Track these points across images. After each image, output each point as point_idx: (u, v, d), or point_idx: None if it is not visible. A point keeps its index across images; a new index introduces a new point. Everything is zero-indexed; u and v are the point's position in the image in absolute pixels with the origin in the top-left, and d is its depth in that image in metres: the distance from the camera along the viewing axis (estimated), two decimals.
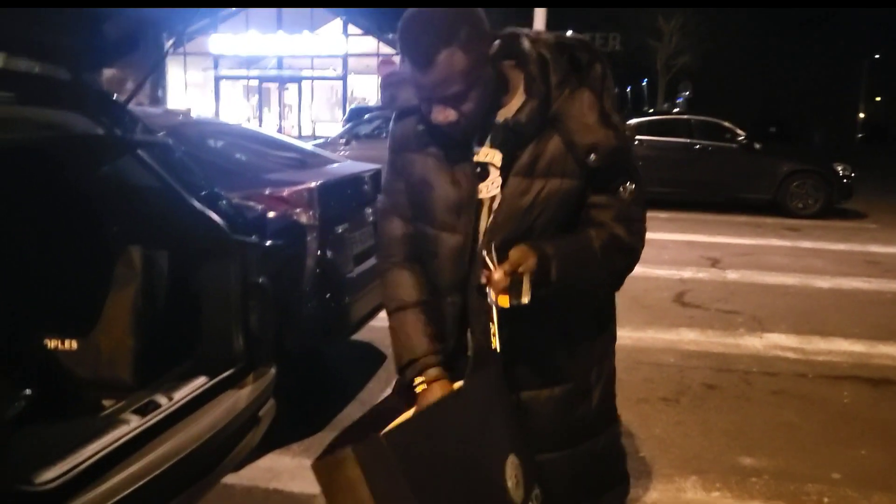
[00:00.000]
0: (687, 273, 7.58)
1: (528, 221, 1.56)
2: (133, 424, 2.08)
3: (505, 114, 1.58)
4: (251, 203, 3.35)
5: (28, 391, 2.02)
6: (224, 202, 2.54)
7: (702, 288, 7.01)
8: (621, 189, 1.61)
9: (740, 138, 12.03)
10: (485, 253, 1.49)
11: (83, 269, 2.34)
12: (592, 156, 1.53)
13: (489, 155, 1.60)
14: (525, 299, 1.46)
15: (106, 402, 2.32)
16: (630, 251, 1.65)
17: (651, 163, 12.02)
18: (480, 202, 1.60)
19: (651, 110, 13.52)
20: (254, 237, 2.52)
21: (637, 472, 3.44)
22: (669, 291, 6.83)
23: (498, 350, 1.49)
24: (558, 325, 1.67)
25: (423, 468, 1.34)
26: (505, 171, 1.58)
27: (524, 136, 1.56)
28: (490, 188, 1.60)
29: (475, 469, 1.42)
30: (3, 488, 1.61)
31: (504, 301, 1.46)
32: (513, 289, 1.46)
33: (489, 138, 1.60)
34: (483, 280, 1.50)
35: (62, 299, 2.40)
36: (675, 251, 8.63)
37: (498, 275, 1.44)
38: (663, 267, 7.77)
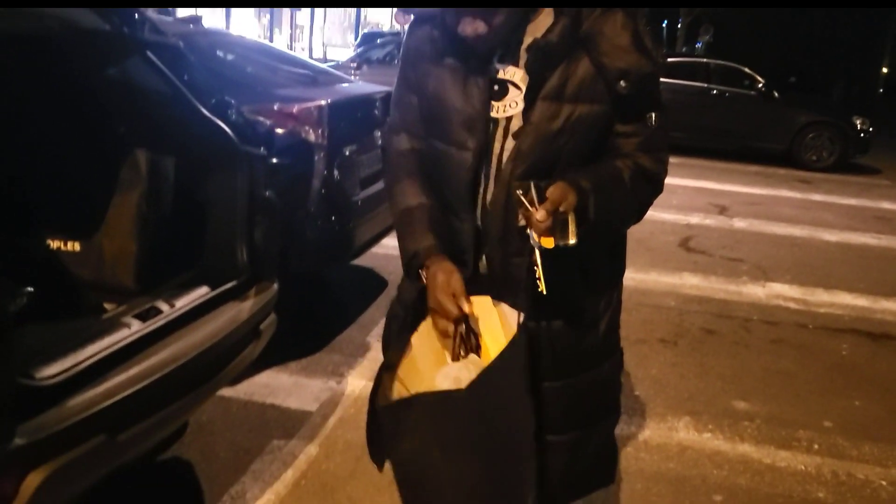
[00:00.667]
0: (694, 219, 7.53)
1: (556, 149, 1.49)
2: (134, 328, 2.07)
3: (533, 31, 1.50)
4: (260, 118, 3.29)
5: (30, 288, 2.02)
6: (233, 112, 2.48)
7: (708, 234, 6.98)
8: (648, 117, 1.55)
9: (759, 86, 11.77)
10: (520, 192, 1.37)
11: (88, 169, 2.30)
12: (623, 82, 1.45)
13: (513, 74, 1.52)
14: (572, 240, 1.37)
15: (107, 306, 2.31)
16: (655, 181, 1.60)
17: (667, 106, 11.81)
18: (495, 122, 1.53)
19: (665, 51, 13.18)
20: (262, 150, 2.47)
21: (631, 410, 3.47)
22: (675, 236, 6.80)
23: (545, 293, 1.40)
24: (578, 258, 1.62)
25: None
26: (531, 93, 1.48)
27: (554, 57, 1.47)
28: (507, 108, 1.52)
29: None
30: (5, 381, 1.61)
31: (548, 242, 1.35)
32: (556, 229, 1.36)
33: (519, 58, 1.52)
34: (522, 221, 1.41)
35: (66, 199, 2.36)
36: (684, 196, 8.55)
37: (540, 214, 1.33)
38: (670, 211, 7.71)
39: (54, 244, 2.41)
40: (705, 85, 11.86)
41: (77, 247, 2.41)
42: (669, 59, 12.29)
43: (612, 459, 2.00)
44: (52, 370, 1.80)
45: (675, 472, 2.99)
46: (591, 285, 1.69)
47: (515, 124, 1.52)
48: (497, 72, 1.53)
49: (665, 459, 3.09)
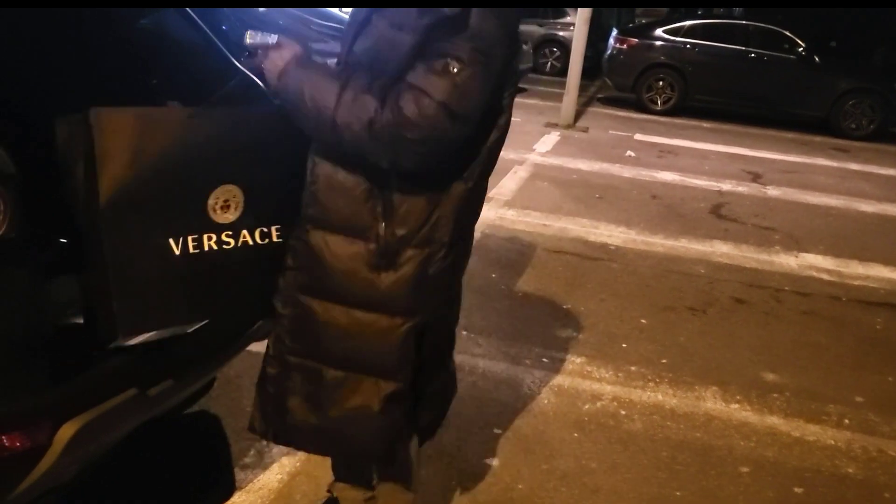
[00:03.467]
0: (726, 185, 7.40)
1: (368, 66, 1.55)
2: None
3: None
4: None
5: (62, 239, 2.01)
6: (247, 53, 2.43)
7: (740, 202, 6.86)
8: (443, 63, 1.45)
9: (800, 49, 11.42)
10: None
11: None
12: (425, 17, 1.45)
13: None
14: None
15: None
16: (395, 115, 1.46)
17: (700, 70, 11.56)
18: None
19: (700, 12, 12.80)
20: None
21: (657, 378, 3.45)
22: (706, 202, 6.70)
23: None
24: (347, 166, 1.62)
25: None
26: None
27: None
28: None
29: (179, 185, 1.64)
30: (39, 333, 1.61)
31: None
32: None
33: None
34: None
35: None
36: (716, 162, 8.40)
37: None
38: (702, 177, 7.59)
39: None
40: (743, 48, 11.54)
41: None
42: (706, 21, 11.98)
43: (370, 431, 1.79)
44: (84, 322, 1.80)
45: (702, 442, 2.97)
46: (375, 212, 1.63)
47: None
48: None
49: (691, 428, 3.07)
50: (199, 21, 2.39)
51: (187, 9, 2.37)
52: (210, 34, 2.40)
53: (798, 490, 2.74)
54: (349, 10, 1.78)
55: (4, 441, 1.58)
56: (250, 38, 1.61)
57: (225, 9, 2.51)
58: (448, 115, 1.46)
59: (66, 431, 1.65)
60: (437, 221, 1.65)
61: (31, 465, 1.64)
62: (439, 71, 1.45)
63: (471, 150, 1.63)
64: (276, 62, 1.58)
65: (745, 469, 2.83)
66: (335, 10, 5.51)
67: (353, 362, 1.74)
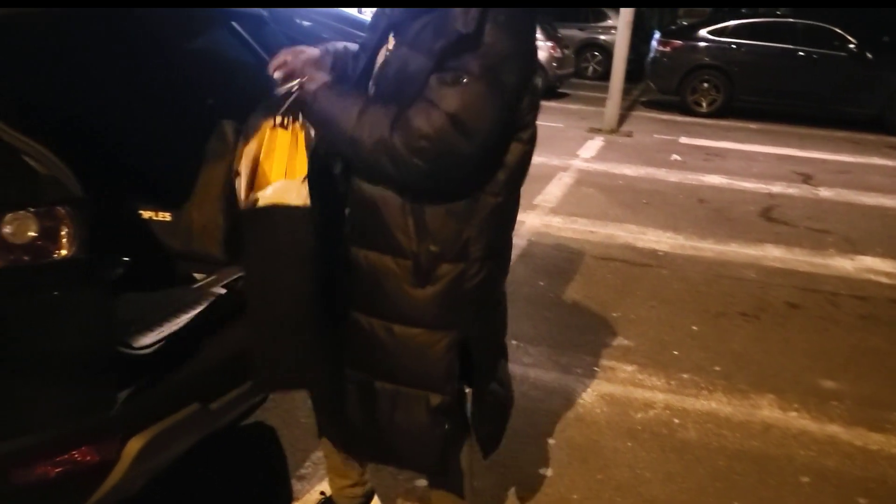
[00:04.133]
0: (776, 188, 7.25)
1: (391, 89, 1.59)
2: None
3: None
4: None
5: (126, 258, 2.08)
6: None
7: (791, 204, 6.72)
8: (453, 76, 1.48)
9: (851, 46, 11.13)
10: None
11: (178, 141, 2.34)
12: (441, 40, 1.48)
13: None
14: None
15: (197, 276, 2.36)
16: (404, 128, 1.50)
17: (747, 70, 11.36)
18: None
19: (744, 10, 12.53)
20: None
21: (711, 385, 3.40)
22: (756, 205, 6.58)
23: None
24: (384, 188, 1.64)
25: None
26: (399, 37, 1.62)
27: (414, 9, 1.56)
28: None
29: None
30: (107, 350, 1.67)
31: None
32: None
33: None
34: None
35: (157, 171, 2.41)
36: (765, 164, 8.25)
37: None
38: (750, 180, 7.46)
39: (146, 214, 2.47)
40: (791, 46, 11.31)
41: (168, 217, 2.46)
42: (753, 20, 11.76)
43: (420, 443, 1.82)
44: (149, 339, 1.86)
45: (759, 451, 2.92)
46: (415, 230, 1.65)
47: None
48: None
49: (748, 437, 3.01)
50: (250, 39, 2.45)
51: (237, 27, 2.42)
52: (260, 51, 2.45)
53: (862, 501, 2.67)
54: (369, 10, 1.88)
55: (75, 456, 1.64)
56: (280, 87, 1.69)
57: (273, 26, 2.55)
58: (457, 128, 1.48)
59: (134, 446, 1.71)
60: (469, 237, 1.67)
61: (100, 478, 1.69)
62: (449, 83, 1.48)
63: (495, 165, 1.65)
64: (308, 87, 1.63)
65: (805, 479, 2.77)
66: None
67: (400, 375, 1.77)
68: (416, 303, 1.69)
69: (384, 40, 1.67)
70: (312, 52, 1.73)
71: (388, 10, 1.68)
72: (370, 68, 1.69)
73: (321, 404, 1.96)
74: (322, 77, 1.66)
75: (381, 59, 1.68)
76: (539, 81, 1.72)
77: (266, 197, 1.64)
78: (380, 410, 1.80)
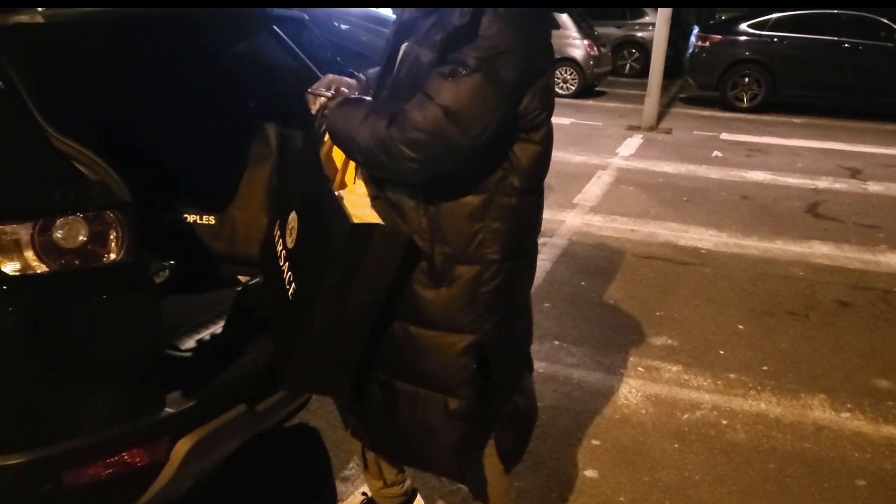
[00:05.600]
0: (822, 183, 7.09)
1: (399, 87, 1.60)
2: None
3: None
4: None
5: (172, 262, 2.10)
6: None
7: (838, 199, 6.55)
8: (450, 69, 1.47)
9: None
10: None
11: (221, 144, 2.36)
12: (440, 34, 1.49)
13: None
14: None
15: (242, 278, 2.38)
16: (400, 121, 1.49)
17: (789, 63, 11.12)
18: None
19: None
20: None
21: (759, 385, 3.33)
22: (801, 201, 6.43)
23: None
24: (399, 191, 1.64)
25: None
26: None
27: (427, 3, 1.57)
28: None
29: None
30: (155, 352, 1.68)
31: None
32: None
33: None
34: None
35: (201, 174, 2.44)
36: (810, 159, 8.06)
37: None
38: (795, 175, 7.30)
39: (191, 218, 2.50)
40: (835, 38, 11.05)
41: (212, 220, 2.49)
42: (795, 12, 11.51)
43: (437, 445, 1.81)
44: (195, 342, 1.87)
45: (812, 453, 2.85)
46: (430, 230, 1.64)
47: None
48: None
49: (799, 439, 2.94)
50: (291, 43, 2.46)
51: (278, 31, 2.43)
52: (301, 55, 2.46)
53: None
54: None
55: (126, 457, 1.66)
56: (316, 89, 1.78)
57: (314, 30, 2.56)
58: (450, 119, 1.46)
59: (183, 447, 1.72)
60: (483, 239, 1.64)
61: (150, 479, 1.71)
62: (445, 75, 1.46)
63: (499, 163, 1.62)
64: (329, 108, 1.70)
65: (861, 482, 2.69)
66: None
67: (419, 377, 1.76)
68: (431, 304, 1.68)
69: (398, 46, 1.66)
70: (350, 80, 1.79)
71: (399, 12, 1.70)
72: (387, 75, 1.69)
73: (348, 404, 1.95)
74: (347, 95, 1.71)
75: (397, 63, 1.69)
76: (552, 82, 1.68)
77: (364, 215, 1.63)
78: (400, 411, 1.79)
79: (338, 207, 1.58)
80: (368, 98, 1.71)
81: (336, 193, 1.66)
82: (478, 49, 1.46)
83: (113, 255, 1.60)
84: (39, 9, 1.74)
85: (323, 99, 1.73)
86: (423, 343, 1.71)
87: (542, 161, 1.67)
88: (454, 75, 1.46)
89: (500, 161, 1.61)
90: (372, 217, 1.61)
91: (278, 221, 1.85)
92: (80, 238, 1.56)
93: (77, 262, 1.57)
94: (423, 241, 1.64)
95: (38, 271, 1.53)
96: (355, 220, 1.53)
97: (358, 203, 1.65)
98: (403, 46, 1.64)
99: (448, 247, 1.63)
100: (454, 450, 1.81)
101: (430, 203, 1.61)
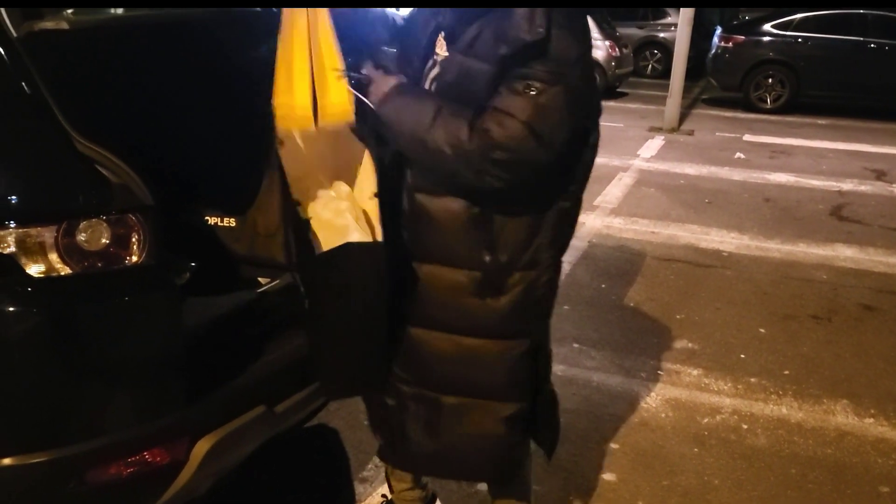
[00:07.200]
0: (847, 185, 7.00)
1: (453, 94, 1.55)
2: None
3: None
4: None
5: (193, 263, 2.12)
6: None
7: (863, 202, 6.47)
8: (524, 84, 1.47)
9: None
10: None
11: (241, 147, 2.38)
12: (504, 47, 1.46)
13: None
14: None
15: (262, 280, 2.39)
16: (477, 130, 1.48)
17: (814, 64, 11.00)
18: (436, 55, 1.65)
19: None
20: None
21: (781, 390, 3.30)
22: (825, 204, 6.36)
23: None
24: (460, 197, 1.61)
25: None
26: (450, 43, 1.59)
27: (467, 13, 1.54)
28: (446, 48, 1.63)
29: None
30: (175, 353, 1.70)
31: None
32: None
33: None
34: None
35: (221, 176, 2.46)
36: (835, 161, 7.97)
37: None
38: (819, 177, 7.22)
39: (212, 220, 2.52)
40: (861, 38, 10.91)
41: (232, 222, 2.50)
42: (819, 13, 11.38)
43: (490, 453, 1.82)
44: (216, 343, 1.89)
45: (834, 459, 2.82)
46: (485, 244, 1.63)
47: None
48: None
49: (821, 444, 2.91)
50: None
51: None
52: None
53: None
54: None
55: (147, 457, 1.68)
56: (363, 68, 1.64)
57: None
58: (533, 136, 1.46)
59: (202, 447, 1.74)
60: (540, 244, 1.66)
61: (170, 479, 1.73)
62: (521, 92, 1.46)
63: (567, 170, 1.64)
64: (380, 89, 1.58)
65: (885, 489, 2.65)
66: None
67: (469, 388, 1.76)
68: (488, 313, 1.68)
69: (432, 45, 1.65)
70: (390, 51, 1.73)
71: (435, 12, 1.65)
72: (419, 75, 1.67)
73: (377, 420, 1.94)
74: (397, 76, 1.60)
75: (431, 65, 1.66)
76: (598, 80, 1.71)
77: (335, 228, 1.63)
78: (447, 425, 1.78)
79: (307, 233, 1.64)
80: (423, 88, 1.63)
81: (306, 213, 1.66)
82: (549, 62, 1.47)
83: (135, 258, 1.62)
84: (65, 12, 1.77)
85: (369, 75, 1.59)
86: (479, 353, 1.72)
87: (592, 163, 1.71)
88: (529, 90, 1.46)
89: (565, 168, 1.63)
90: (346, 228, 1.60)
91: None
92: (103, 241, 1.59)
93: (100, 265, 1.59)
94: (478, 250, 1.64)
95: (62, 273, 1.55)
96: (323, 243, 1.59)
97: (338, 208, 1.63)
98: (440, 49, 1.63)
99: (505, 255, 1.64)
100: (510, 455, 1.85)
101: (489, 213, 1.62)
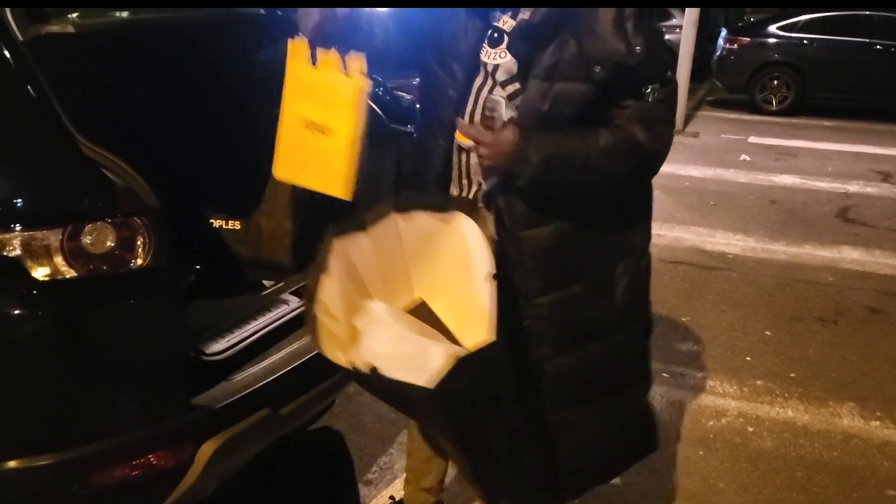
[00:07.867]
0: (853, 187, 6.97)
1: (547, 123, 1.55)
2: (292, 305, 2.14)
3: None
4: (402, 93, 3.29)
5: (197, 266, 2.13)
6: (380, 89, 2.49)
7: (869, 204, 6.45)
8: (646, 92, 1.57)
9: None
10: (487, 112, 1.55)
11: (246, 150, 2.38)
12: (597, 68, 1.49)
13: (506, 24, 1.60)
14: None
15: (266, 283, 2.40)
16: (645, 153, 1.59)
17: (820, 65, 10.95)
18: (484, 64, 1.62)
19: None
20: (409, 127, 2.47)
21: (787, 393, 3.29)
22: (831, 206, 6.34)
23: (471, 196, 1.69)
24: (571, 216, 1.64)
25: None
26: (524, 73, 1.57)
27: (539, 38, 1.54)
28: (496, 57, 1.61)
29: None
30: (180, 355, 1.71)
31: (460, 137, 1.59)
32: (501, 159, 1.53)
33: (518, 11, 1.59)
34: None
35: (226, 179, 2.47)
36: (840, 162, 7.94)
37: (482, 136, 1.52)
38: (825, 179, 7.19)
39: (217, 223, 2.53)
40: (867, 40, 10.87)
41: (237, 225, 2.52)
42: (824, 14, 11.35)
43: (648, 427, 1.98)
44: (220, 346, 1.90)
45: (840, 462, 2.81)
46: (594, 248, 1.70)
47: (501, 74, 1.61)
48: (497, 19, 1.61)
49: (827, 447, 2.90)
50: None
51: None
52: None
53: None
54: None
55: (152, 459, 1.68)
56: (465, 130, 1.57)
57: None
58: (672, 131, 1.65)
59: (207, 450, 1.74)
60: (637, 228, 1.77)
61: (175, 481, 1.73)
62: (658, 98, 1.57)
63: None
64: (503, 149, 1.51)
65: (891, 492, 2.64)
66: None
67: (612, 385, 1.83)
68: (608, 313, 1.75)
69: (475, 53, 1.62)
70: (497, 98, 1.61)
71: (471, 13, 1.61)
72: (456, 78, 1.63)
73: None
74: (509, 136, 1.50)
75: (482, 81, 1.62)
76: None
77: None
78: (599, 430, 1.82)
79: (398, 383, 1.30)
80: (537, 128, 1.55)
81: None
82: (651, 65, 1.54)
83: (140, 261, 1.63)
84: (70, 16, 1.77)
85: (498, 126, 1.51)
86: (609, 351, 1.77)
87: None
88: (655, 94, 1.56)
89: None
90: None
91: None
92: (108, 244, 1.59)
93: (105, 268, 1.59)
94: (599, 255, 1.71)
95: (67, 276, 1.55)
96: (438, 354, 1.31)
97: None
98: (490, 59, 1.60)
99: (613, 249, 1.73)
100: (652, 421, 1.98)
101: (597, 213, 1.68)
